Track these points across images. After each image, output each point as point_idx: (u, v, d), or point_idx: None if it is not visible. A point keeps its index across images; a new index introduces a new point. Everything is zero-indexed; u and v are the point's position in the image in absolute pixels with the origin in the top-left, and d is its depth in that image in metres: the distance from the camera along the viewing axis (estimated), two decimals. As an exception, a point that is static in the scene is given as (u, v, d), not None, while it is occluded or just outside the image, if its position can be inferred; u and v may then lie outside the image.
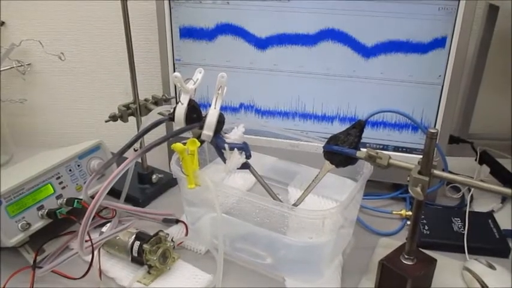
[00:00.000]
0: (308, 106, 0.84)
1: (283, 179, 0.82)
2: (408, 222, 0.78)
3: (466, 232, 0.73)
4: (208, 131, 0.64)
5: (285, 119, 0.86)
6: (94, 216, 0.57)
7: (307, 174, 0.78)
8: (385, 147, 0.83)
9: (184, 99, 0.65)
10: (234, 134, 0.64)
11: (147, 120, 0.76)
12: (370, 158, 0.59)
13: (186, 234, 0.73)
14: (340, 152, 0.62)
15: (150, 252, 0.63)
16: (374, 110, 0.65)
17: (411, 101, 0.78)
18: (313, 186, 0.65)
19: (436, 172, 0.55)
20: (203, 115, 0.65)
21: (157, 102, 0.83)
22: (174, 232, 0.74)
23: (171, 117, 0.66)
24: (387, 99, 0.79)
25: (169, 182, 0.88)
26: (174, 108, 0.65)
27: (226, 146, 0.63)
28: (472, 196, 0.84)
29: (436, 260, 0.62)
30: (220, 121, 0.65)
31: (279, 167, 0.82)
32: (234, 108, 0.87)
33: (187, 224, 0.74)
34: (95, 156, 0.75)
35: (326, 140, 0.64)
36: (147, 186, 0.87)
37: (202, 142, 0.65)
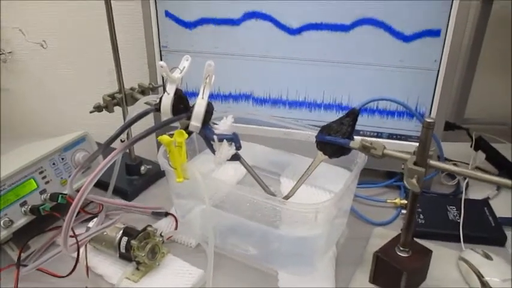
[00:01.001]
0: (300, 94, 0.81)
1: (275, 169, 0.80)
2: (403, 211, 0.76)
3: (461, 221, 0.71)
4: (196, 122, 0.62)
5: (277, 107, 0.83)
6: (79, 212, 0.55)
7: (299, 164, 0.75)
8: (380, 135, 0.81)
9: (171, 89, 0.62)
10: (223, 125, 0.62)
11: (133, 110, 0.73)
12: (364, 149, 0.57)
13: (176, 227, 0.71)
14: (333, 142, 0.59)
15: (138, 248, 0.61)
16: (368, 99, 0.63)
17: (406, 87, 0.76)
18: (306, 178, 0.64)
19: (433, 162, 0.53)
20: (191, 105, 0.63)
21: (143, 91, 0.80)
22: (164, 225, 0.72)
23: (157, 108, 0.63)
24: (381, 85, 0.77)
25: (158, 173, 0.85)
26: (160, 99, 0.62)
27: (215, 137, 0.61)
28: (467, 183, 0.82)
29: (431, 252, 0.60)
30: (209, 111, 0.63)
31: (270, 157, 0.79)
32: (224, 97, 0.85)
33: (177, 217, 0.72)
34: (80, 148, 0.73)
35: (319, 128, 0.62)
36: (136, 177, 0.84)
37: (190, 133, 0.63)
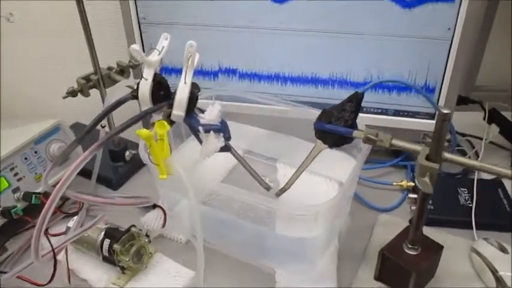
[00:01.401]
0: (296, 68, 0.73)
1: (270, 154, 0.73)
2: (410, 195, 0.70)
3: (474, 206, 0.66)
4: (178, 111, 0.54)
5: (271, 83, 0.76)
6: (55, 212, 0.49)
7: (297, 148, 0.69)
8: (385, 112, 0.73)
9: (148, 74, 0.54)
10: (210, 113, 0.55)
11: (112, 94, 0.66)
12: (369, 141, 0.50)
13: (164, 223, 0.66)
14: (334, 131, 0.53)
15: (121, 253, 0.56)
16: (373, 81, 0.55)
17: (415, 59, 0.68)
18: (304, 168, 0.57)
19: (448, 155, 0.47)
20: (172, 91, 0.56)
21: (123, 70, 0.72)
22: (151, 219, 0.67)
23: (135, 95, 0.56)
24: (388, 57, 0.69)
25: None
26: (138, 84, 0.55)
27: (200, 128, 0.54)
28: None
29: (442, 248, 0.55)
30: (193, 97, 0.56)
31: (265, 139, 0.73)
32: (212, 74, 0.77)
33: (165, 209, 0.67)
34: (54, 139, 0.66)
35: (319, 109, 0.55)
36: (121, 164, 0.78)
37: (173, 123, 0.56)
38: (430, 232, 0.57)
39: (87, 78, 0.69)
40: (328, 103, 0.72)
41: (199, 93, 0.59)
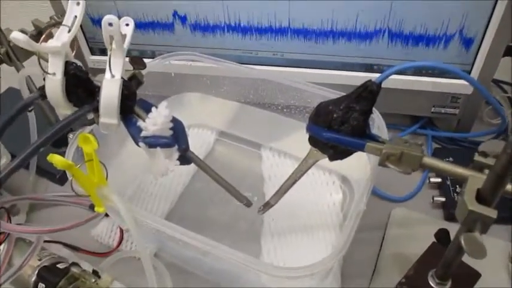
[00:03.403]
0: (280, 15, 0.53)
1: (253, 137, 0.56)
2: (432, 180, 0.55)
3: (515, 196, 0.51)
4: (107, 118, 0.38)
5: (250, 36, 0.56)
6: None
7: (287, 130, 0.53)
8: (402, 71, 0.55)
9: (56, 66, 0.36)
10: (154, 121, 0.37)
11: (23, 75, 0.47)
12: (388, 159, 0.34)
13: (122, 236, 0.51)
14: (336, 142, 0.36)
15: (60, 304, 0.43)
16: (393, 68, 0.37)
17: (445, 6, 0.48)
18: (294, 181, 0.42)
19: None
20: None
21: (41, 32, 0.52)
22: (105, 230, 0.53)
23: (43, 95, 0.38)
24: (404, 6, 0.49)
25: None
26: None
27: (141, 144, 0.37)
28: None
29: (480, 275, 0.42)
30: (129, 93, 0.38)
31: (246, 118, 0.56)
32: (166, 25, 0.57)
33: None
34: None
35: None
36: (65, 150, 0.61)
37: (105, 132, 0.39)
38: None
39: (-10, 53, 0.50)
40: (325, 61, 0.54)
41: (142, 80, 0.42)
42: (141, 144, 0.37)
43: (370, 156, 0.45)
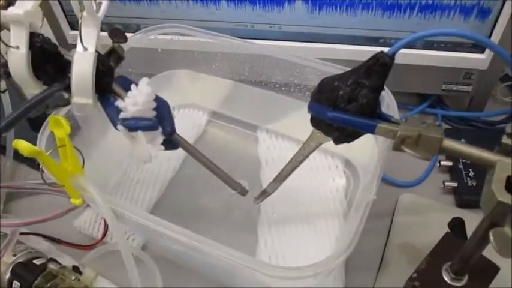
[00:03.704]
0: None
1: (248, 118, 0.52)
2: (443, 163, 0.51)
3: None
4: (81, 97, 0.33)
5: (244, 7, 0.51)
6: None
7: (285, 110, 0.48)
8: (412, 43, 0.50)
9: (19, 38, 0.31)
10: (134, 100, 0.33)
11: None
12: (404, 142, 0.29)
13: (106, 227, 0.47)
14: (343, 122, 0.31)
15: (36, 304, 0.39)
16: (410, 36, 0.33)
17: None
18: (294, 167, 0.37)
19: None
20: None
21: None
22: (88, 221, 0.48)
23: (7, 72, 0.33)
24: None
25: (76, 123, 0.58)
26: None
27: (120, 127, 0.33)
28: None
29: (498, 269, 0.38)
30: (105, 69, 0.34)
31: (240, 97, 0.51)
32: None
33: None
34: None
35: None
36: (47, 134, 0.57)
37: (79, 114, 0.35)
38: (472, 219, 0.40)
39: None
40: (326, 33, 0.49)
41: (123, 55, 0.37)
42: (119, 127, 0.33)
43: (378, 138, 0.41)
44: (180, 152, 0.40)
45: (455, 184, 0.48)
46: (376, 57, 0.30)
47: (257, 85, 0.49)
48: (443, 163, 0.51)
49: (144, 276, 0.44)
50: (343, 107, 0.31)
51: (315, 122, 0.33)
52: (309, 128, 0.35)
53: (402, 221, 0.47)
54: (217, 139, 0.53)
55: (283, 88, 0.47)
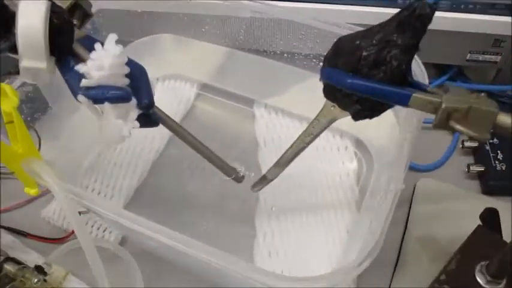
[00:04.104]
0: None
1: (243, 91, 0.45)
2: (467, 144, 0.44)
3: None
4: (31, 60, 0.26)
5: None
6: None
7: (288, 81, 0.42)
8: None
9: None
10: (99, 63, 0.26)
11: None
12: (452, 117, 0.23)
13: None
14: (366, 91, 0.25)
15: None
16: None
17: None
18: (300, 149, 0.31)
19: None
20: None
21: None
22: (57, 210, 0.42)
23: None
24: None
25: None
26: None
27: (81, 98, 0.26)
28: None
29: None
30: (61, 23, 0.26)
31: (235, 67, 0.44)
32: None
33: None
34: None
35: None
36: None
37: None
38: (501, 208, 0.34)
39: None
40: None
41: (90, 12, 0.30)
42: (80, 97, 0.26)
43: (399, 115, 0.34)
44: (165, 130, 0.33)
45: (482, 168, 0.43)
46: (412, 7, 0.23)
47: (254, 52, 0.42)
48: (466, 144, 0.44)
49: (122, 274, 0.38)
50: (366, 72, 0.24)
51: (329, 92, 0.27)
52: (316, 103, 0.29)
53: (421, 210, 0.41)
54: (207, 115, 0.46)
55: (285, 55, 0.41)
